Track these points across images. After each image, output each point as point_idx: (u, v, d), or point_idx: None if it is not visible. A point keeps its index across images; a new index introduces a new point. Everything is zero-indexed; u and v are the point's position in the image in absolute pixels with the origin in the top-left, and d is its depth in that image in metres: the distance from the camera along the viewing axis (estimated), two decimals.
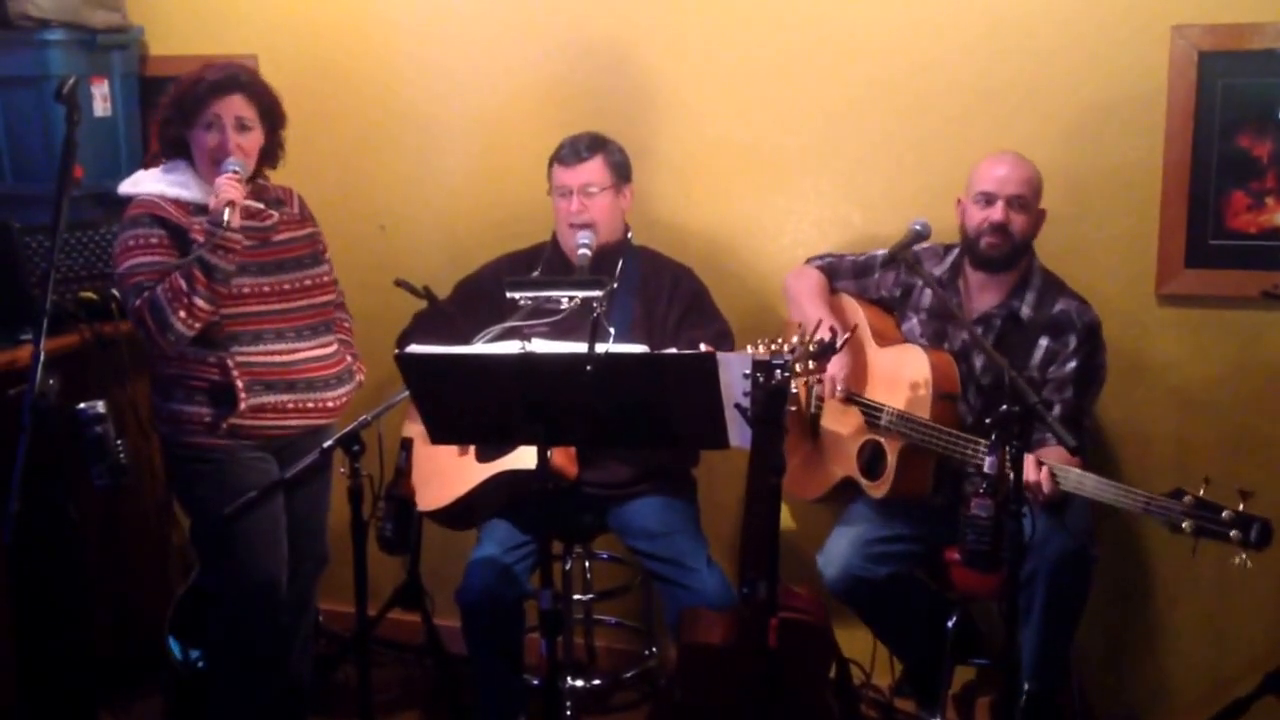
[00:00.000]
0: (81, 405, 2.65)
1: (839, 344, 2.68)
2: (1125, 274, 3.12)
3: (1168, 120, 3.03)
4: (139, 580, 3.54)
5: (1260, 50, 2.94)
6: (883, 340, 3.03)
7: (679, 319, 3.12)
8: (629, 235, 3.21)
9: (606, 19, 3.42)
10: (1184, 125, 3.01)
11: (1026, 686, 2.85)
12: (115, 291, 2.95)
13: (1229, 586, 3.15)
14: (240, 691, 2.92)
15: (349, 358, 2.99)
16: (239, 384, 2.74)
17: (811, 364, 2.64)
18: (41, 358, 2.37)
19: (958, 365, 2.93)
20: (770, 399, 2.37)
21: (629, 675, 3.54)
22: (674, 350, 2.92)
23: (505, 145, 3.56)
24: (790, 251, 3.34)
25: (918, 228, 2.85)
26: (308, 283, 2.87)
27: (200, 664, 3.28)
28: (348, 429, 2.66)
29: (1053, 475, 2.62)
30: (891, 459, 2.92)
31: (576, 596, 3.42)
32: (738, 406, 2.40)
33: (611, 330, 2.96)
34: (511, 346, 2.56)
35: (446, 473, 3.05)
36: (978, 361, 2.96)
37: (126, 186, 2.82)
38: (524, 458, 2.89)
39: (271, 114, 2.83)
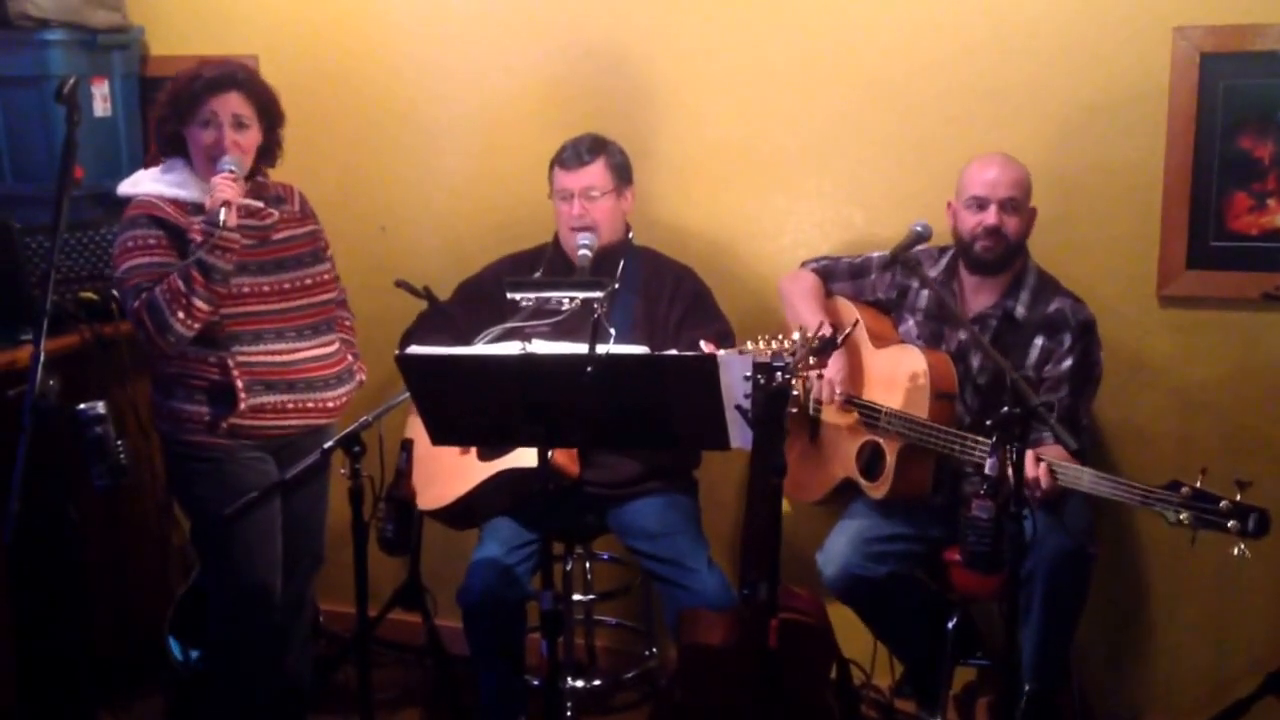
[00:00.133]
0: (81, 406, 2.65)
1: (840, 340, 2.68)
2: (1126, 275, 3.12)
3: (1169, 121, 3.03)
4: (139, 580, 3.54)
5: (1262, 52, 2.94)
6: (880, 342, 3.04)
7: (680, 319, 3.12)
8: (630, 236, 3.21)
9: (607, 20, 3.42)
10: (1185, 126, 3.01)
11: (1026, 686, 2.85)
12: (115, 292, 2.95)
13: (1229, 586, 3.15)
14: (236, 691, 2.92)
15: (350, 357, 2.98)
16: (239, 384, 2.74)
17: (812, 360, 2.64)
18: (41, 358, 2.37)
19: (955, 366, 2.94)
20: (771, 400, 2.37)
21: (629, 676, 3.54)
22: (675, 351, 2.92)
23: (506, 146, 3.56)
24: (791, 252, 3.34)
25: (919, 229, 2.85)
26: (308, 281, 2.87)
27: (200, 664, 3.28)
28: (348, 430, 2.66)
29: (1051, 470, 2.63)
30: (890, 459, 2.92)
31: (577, 597, 3.42)
32: (739, 408, 2.40)
33: (612, 331, 2.96)
34: (512, 347, 2.56)
35: (448, 471, 3.05)
36: (974, 362, 2.96)
37: (126, 187, 2.82)
38: (524, 457, 2.89)
39: (269, 112, 2.82)
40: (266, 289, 2.80)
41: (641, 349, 2.75)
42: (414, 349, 2.63)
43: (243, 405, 2.74)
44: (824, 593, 2.98)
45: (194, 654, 3.31)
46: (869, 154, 3.29)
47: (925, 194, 3.11)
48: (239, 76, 2.77)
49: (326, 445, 2.72)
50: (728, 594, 2.93)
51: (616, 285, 3.07)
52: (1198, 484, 2.43)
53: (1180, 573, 3.19)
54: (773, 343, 2.74)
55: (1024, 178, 2.91)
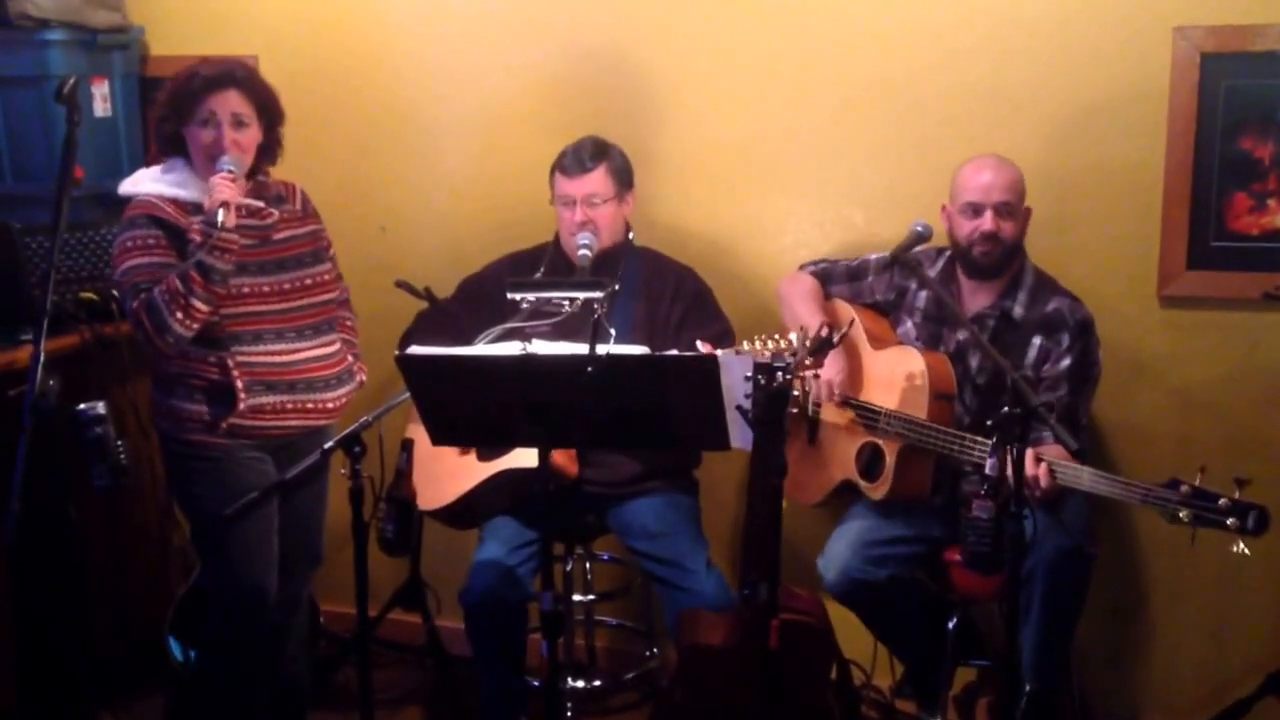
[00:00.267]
0: (82, 406, 2.65)
1: (836, 340, 2.68)
2: (1127, 275, 3.12)
3: (1170, 122, 3.03)
4: (139, 580, 3.54)
5: (1263, 52, 2.94)
6: (878, 343, 3.04)
7: (681, 319, 3.12)
8: (630, 236, 3.20)
9: (608, 20, 3.42)
10: (1186, 127, 3.01)
11: (1026, 687, 2.85)
12: (115, 292, 2.95)
13: (1229, 586, 3.15)
14: (233, 691, 2.92)
15: (350, 358, 2.98)
16: (239, 384, 2.73)
17: (809, 361, 2.64)
18: (41, 358, 2.37)
19: (953, 367, 2.94)
20: (772, 401, 2.36)
21: (629, 676, 3.53)
22: (675, 352, 2.92)
23: (506, 146, 3.56)
24: (792, 252, 3.34)
25: (919, 229, 2.85)
26: (308, 281, 2.86)
27: (197, 664, 3.28)
28: (349, 430, 2.65)
29: (1051, 469, 2.63)
30: (890, 460, 2.92)
31: (577, 598, 3.42)
32: (739, 408, 2.40)
33: (613, 331, 2.96)
34: (512, 347, 2.56)
35: (448, 472, 3.05)
36: (973, 362, 2.96)
37: (127, 186, 2.81)
38: (524, 457, 2.90)
39: (268, 110, 2.81)
40: (266, 289, 2.79)
41: (642, 349, 2.75)
42: (414, 349, 2.63)
43: (242, 405, 2.74)
44: (824, 595, 2.97)
45: (194, 654, 3.31)
46: (869, 154, 3.29)
47: (926, 194, 3.10)
48: (237, 74, 2.76)
49: (327, 445, 2.72)
50: (726, 594, 2.93)
51: (616, 286, 3.07)
52: (1197, 482, 2.44)
53: (1180, 573, 3.19)
54: (769, 343, 2.74)
55: (1018, 180, 2.90)
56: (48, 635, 3.17)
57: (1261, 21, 2.94)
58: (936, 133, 3.20)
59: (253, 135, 2.78)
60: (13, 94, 3.47)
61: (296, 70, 3.55)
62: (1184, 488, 2.44)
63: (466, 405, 2.51)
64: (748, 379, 2.39)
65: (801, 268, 3.23)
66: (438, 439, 2.58)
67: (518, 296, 2.64)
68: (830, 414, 3.09)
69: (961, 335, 2.97)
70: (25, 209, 3.35)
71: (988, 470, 2.44)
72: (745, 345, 2.80)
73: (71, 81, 2.48)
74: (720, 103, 3.38)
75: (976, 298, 2.99)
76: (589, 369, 2.32)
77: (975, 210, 2.89)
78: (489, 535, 3.07)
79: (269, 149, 2.85)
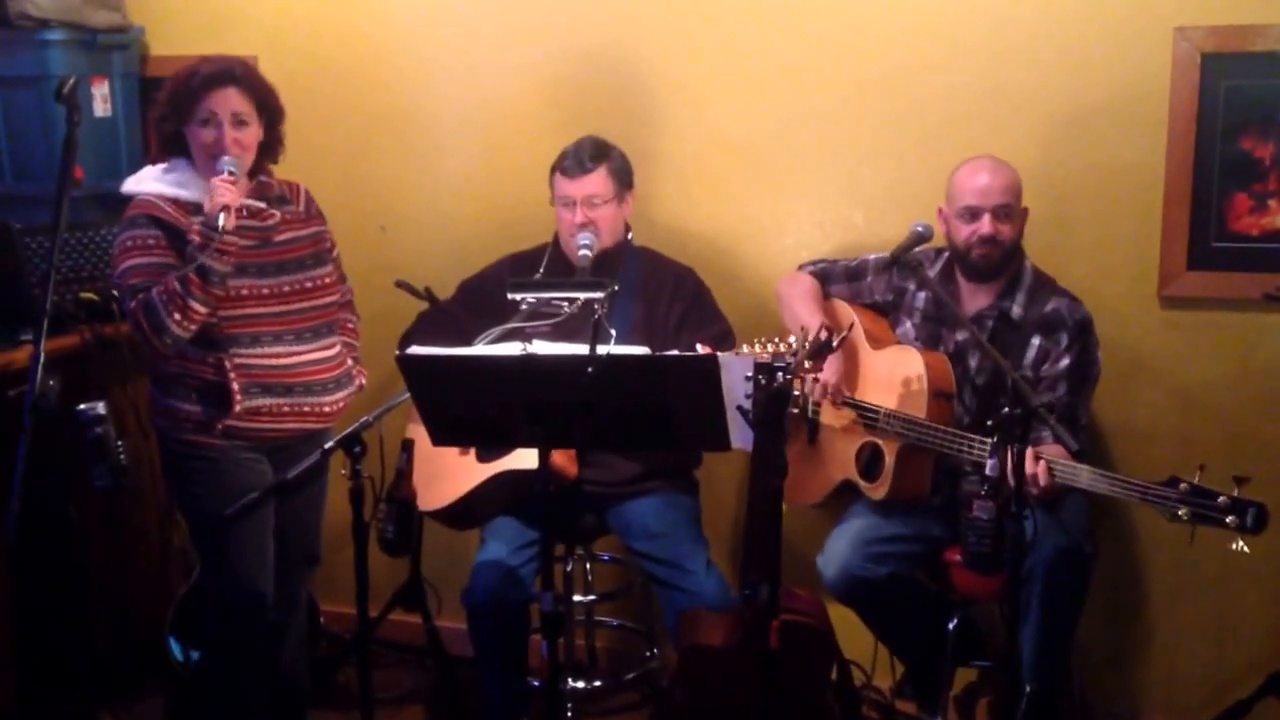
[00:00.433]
0: (82, 406, 2.65)
1: (835, 343, 2.68)
2: (1127, 276, 3.12)
3: (1170, 122, 3.03)
4: (139, 580, 3.54)
5: (1263, 52, 2.94)
6: (877, 343, 3.04)
7: (680, 319, 3.11)
8: (630, 236, 3.20)
9: (608, 20, 3.42)
10: (1186, 127, 3.01)
11: (1027, 687, 2.85)
12: (115, 292, 2.95)
13: (1230, 586, 3.15)
14: (231, 690, 2.92)
15: (349, 361, 2.96)
16: (234, 386, 2.72)
17: (808, 364, 2.64)
18: (42, 358, 2.37)
19: (953, 367, 2.94)
20: (772, 401, 2.36)
21: (630, 677, 3.53)
22: (676, 352, 2.91)
23: (506, 146, 3.55)
24: (793, 253, 3.33)
25: (920, 229, 2.85)
26: (308, 284, 2.85)
27: (197, 663, 3.28)
28: (349, 430, 2.66)
29: (1049, 467, 2.63)
30: (890, 460, 2.92)
31: (577, 598, 3.42)
32: (739, 409, 2.40)
33: (613, 332, 2.95)
34: (513, 348, 2.56)
35: (448, 472, 3.05)
36: (972, 362, 2.96)
37: (130, 185, 2.80)
38: (524, 457, 2.89)
39: (268, 108, 2.81)
40: (265, 291, 2.78)
41: (642, 350, 2.75)
42: (414, 349, 2.63)
43: (237, 407, 2.73)
44: (824, 594, 2.97)
45: (194, 654, 3.31)
46: (869, 154, 3.29)
47: (926, 194, 3.10)
48: (236, 72, 2.75)
49: (327, 445, 2.72)
50: (726, 595, 2.93)
51: (616, 286, 3.07)
52: (1196, 480, 2.44)
53: (1181, 573, 3.19)
54: (769, 345, 2.74)
55: (1015, 181, 2.90)
56: (48, 635, 3.17)
57: (1262, 22, 2.94)
58: (937, 133, 3.20)
59: (253, 134, 2.77)
60: (13, 94, 3.47)
61: (296, 70, 3.55)
62: (1183, 485, 2.45)
63: (467, 405, 2.51)
64: (748, 379, 2.39)
65: (801, 268, 3.23)
66: (438, 439, 2.58)
67: (518, 297, 2.64)
68: (830, 414, 3.09)
69: (961, 336, 2.97)
70: (25, 209, 3.35)
71: (988, 471, 2.44)
72: (745, 348, 2.80)
73: (71, 81, 2.47)
74: (720, 103, 3.38)
75: (975, 298, 2.99)
76: (589, 369, 2.32)
77: (973, 214, 2.89)
78: (490, 536, 3.07)
79: (270, 147, 2.84)
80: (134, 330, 2.70)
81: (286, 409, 2.80)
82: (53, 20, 3.41)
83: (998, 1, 3.13)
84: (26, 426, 2.33)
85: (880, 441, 2.95)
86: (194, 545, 3.07)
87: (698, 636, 2.76)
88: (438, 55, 3.58)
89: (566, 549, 3.24)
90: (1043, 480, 2.62)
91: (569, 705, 3.30)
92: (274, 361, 2.78)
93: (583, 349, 2.37)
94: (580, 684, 3.44)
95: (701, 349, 2.87)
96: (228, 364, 2.73)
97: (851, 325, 3.03)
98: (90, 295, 3.29)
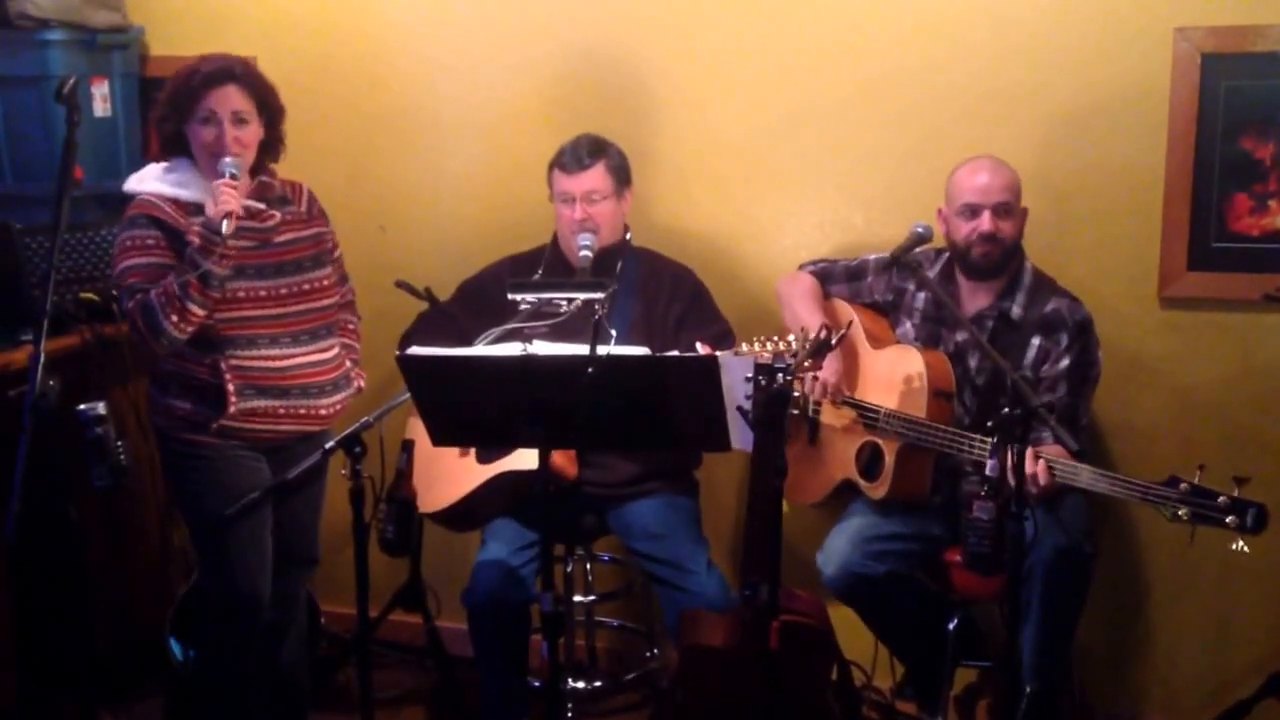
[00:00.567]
0: (82, 406, 2.65)
1: (834, 341, 2.68)
2: (1127, 276, 3.12)
3: (1170, 122, 3.03)
4: (139, 580, 3.54)
5: (1263, 52, 2.94)
6: (877, 343, 3.04)
7: (679, 319, 3.12)
8: (628, 236, 3.20)
9: (609, 20, 3.42)
10: (1187, 128, 3.01)
11: (1027, 687, 2.85)
12: (114, 291, 2.94)
13: (1230, 587, 3.15)
14: (229, 690, 2.92)
15: (348, 363, 2.95)
16: (229, 387, 2.71)
17: (807, 363, 2.64)
18: (42, 359, 2.37)
19: (953, 367, 2.94)
20: (772, 402, 2.36)
21: (630, 677, 3.53)
22: (676, 353, 2.92)
23: (506, 146, 3.55)
24: (792, 253, 3.33)
25: (920, 230, 2.85)
26: (306, 287, 2.83)
27: (196, 663, 3.28)
28: (349, 430, 2.66)
29: (1049, 466, 2.63)
30: (890, 459, 2.92)
31: (578, 598, 3.42)
32: (740, 409, 2.40)
33: (614, 332, 2.95)
34: (513, 348, 2.56)
35: (447, 474, 3.05)
36: (973, 363, 2.96)
37: (131, 184, 2.79)
38: (523, 459, 2.89)
39: (269, 106, 2.80)
40: (263, 293, 2.77)
41: (643, 350, 2.75)
42: (414, 349, 2.63)
43: (232, 408, 2.72)
44: (824, 594, 2.97)
45: (194, 654, 3.31)
46: (869, 155, 3.29)
47: (925, 194, 3.10)
48: (236, 70, 2.75)
49: (328, 445, 2.72)
50: (727, 595, 2.93)
51: (615, 286, 3.07)
52: (1196, 480, 2.44)
53: (1181, 573, 3.19)
54: (768, 345, 2.74)
55: (1014, 180, 2.91)
56: (48, 635, 3.17)
57: (1262, 22, 2.94)
58: (936, 133, 3.20)
59: (254, 132, 2.76)
60: (13, 94, 3.47)
61: (296, 70, 3.54)
62: (1183, 485, 2.45)
63: (467, 406, 2.51)
64: (748, 380, 2.39)
65: (801, 267, 3.23)
66: (438, 439, 2.58)
67: (518, 297, 2.64)
68: (830, 414, 3.09)
69: (960, 336, 2.97)
70: (25, 209, 3.35)
71: (988, 471, 2.44)
72: (744, 347, 2.80)
73: (71, 81, 2.47)
74: (720, 103, 3.38)
75: (975, 298, 2.99)
76: (589, 370, 2.32)
77: (973, 211, 2.89)
78: (491, 536, 3.07)
79: (271, 146, 2.84)
80: (131, 330, 2.70)
81: (282, 411, 2.79)
82: (53, 20, 3.41)
83: (998, 1, 3.13)
84: (26, 426, 2.33)
85: (880, 441, 2.95)
86: (193, 544, 3.07)
87: (698, 637, 2.76)
88: (438, 55, 3.58)
89: (566, 549, 3.24)
90: (1042, 480, 2.62)
91: (569, 705, 3.30)
92: (270, 364, 2.77)
93: (583, 349, 2.37)
94: (580, 684, 3.44)
95: (701, 349, 2.87)
96: (223, 365, 2.72)
97: (850, 323, 3.04)
98: (90, 295, 3.29)
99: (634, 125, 3.38)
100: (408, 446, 2.93)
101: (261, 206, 2.78)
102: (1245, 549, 2.40)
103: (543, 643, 2.54)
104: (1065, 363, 2.88)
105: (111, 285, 2.90)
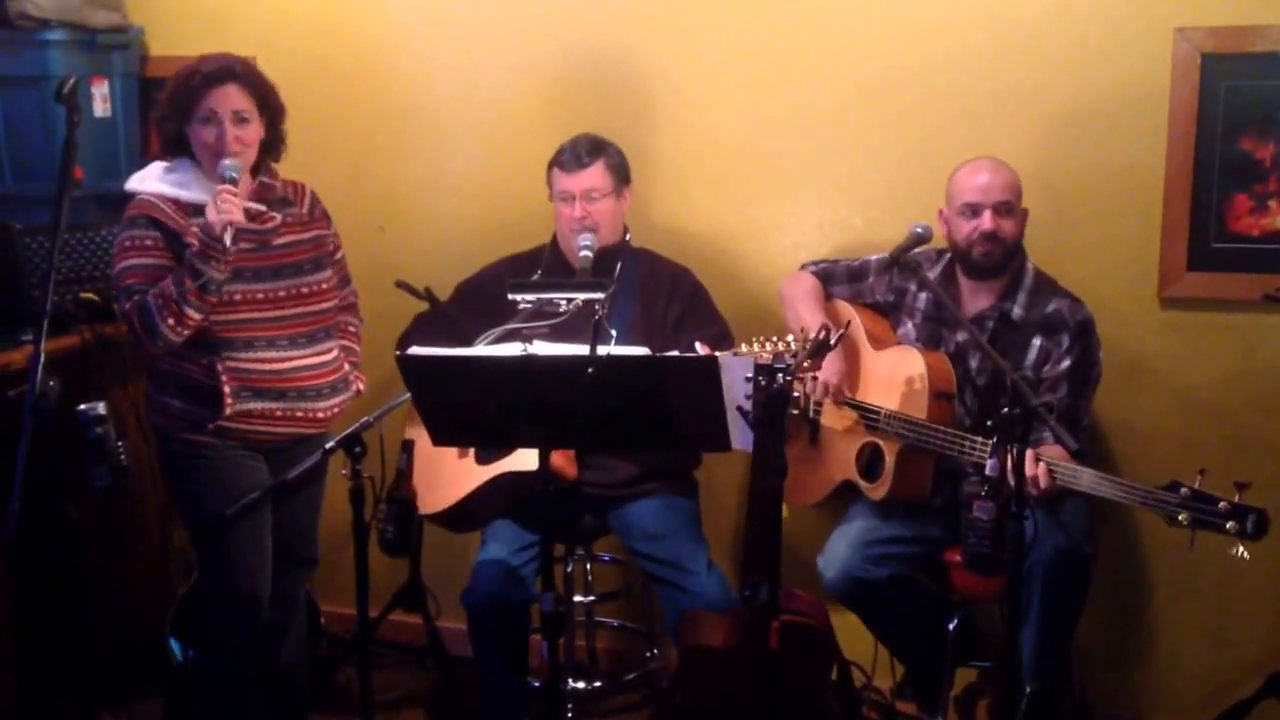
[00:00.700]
0: (82, 406, 2.65)
1: (833, 341, 2.68)
2: (1127, 277, 3.12)
3: (1170, 123, 3.03)
4: (139, 580, 3.54)
5: (1263, 53, 2.94)
6: (878, 344, 3.04)
7: (678, 319, 3.12)
8: (628, 237, 3.20)
9: (608, 20, 3.42)
10: (1187, 128, 3.01)
11: (1027, 688, 2.85)
12: (113, 290, 2.94)
13: (1231, 587, 3.15)
14: (229, 691, 2.92)
15: (347, 366, 2.94)
16: (225, 389, 2.71)
17: (807, 364, 2.64)
18: (42, 359, 2.36)
19: (954, 368, 2.94)
20: (772, 402, 2.36)
21: (630, 677, 3.53)
22: (676, 353, 2.92)
23: (506, 146, 3.55)
24: (791, 254, 3.33)
25: (919, 230, 2.85)
26: (304, 290, 2.82)
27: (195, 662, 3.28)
28: (349, 430, 2.66)
29: (1050, 469, 2.63)
30: (890, 460, 2.92)
31: (578, 598, 3.41)
32: (740, 409, 2.40)
33: (614, 333, 2.95)
34: (513, 349, 2.56)
35: (447, 476, 3.05)
36: (974, 363, 2.96)
37: (133, 183, 2.78)
38: (523, 459, 2.89)
39: (269, 105, 2.79)
40: (260, 296, 2.76)
41: (642, 350, 2.75)
42: (415, 349, 2.62)
43: (228, 410, 2.71)
44: (825, 595, 2.98)
45: (194, 654, 3.31)
46: (869, 155, 3.29)
47: (925, 195, 3.10)
48: (236, 69, 2.74)
49: (328, 445, 2.72)
50: (728, 595, 2.93)
51: (615, 286, 3.07)
52: (1197, 485, 2.44)
53: (1181, 573, 3.19)
54: (767, 345, 2.74)
55: (1014, 180, 2.91)
56: (48, 635, 3.17)
57: (1262, 22, 2.94)
58: (936, 134, 3.20)
59: (254, 131, 2.76)
60: (13, 94, 3.47)
61: (296, 70, 3.54)
62: (1184, 490, 2.44)
63: (467, 406, 2.51)
64: (748, 380, 2.39)
65: (803, 267, 3.23)
66: (438, 440, 2.58)
67: (518, 298, 2.64)
68: (831, 414, 3.09)
69: (961, 336, 2.97)
70: (25, 209, 3.35)
71: (988, 471, 2.44)
72: (744, 347, 2.80)
73: (71, 82, 2.47)
74: (720, 103, 3.38)
75: (976, 299, 2.99)
76: (589, 370, 2.32)
77: (974, 211, 2.89)
78: (491, 537, 3.07)
79: (272, 145, 2.83)
80: (127, 330, 2.70)
81: (279, 413, 2.78)
82: (53, 20, 3.41)
83: (998, 1, 3.13)
84: (26, 426, 2.33)
85: (881, 442, 2.95)
86: (192, 545, 3.07)
87: (698, 637, 2.76)
88: (438, 55, 3.58)
89: (566, 550, 3.24)
90: (1043, 483, 2.62)
91: (569, 706, 3.30)
92: (266, 366, 2.76)
93: (583, 349, 2.37)
94: (580, 684, 3.44)
95: (700, 349, 2.87)
96: (219, 367, 2.71)
97: (848, 324, 3.03)
98: (90, 295, 3.29)
99: (633, 125, 3.38)
100: (408, 446, 2.93)
101: (262, 208, 2.78)
102: (1245, 555, 2.39)
103: (543, 643, 2.54)
104: (1066, 363, 2.88)
105: (110, 284, 2.90)
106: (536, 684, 3.20)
